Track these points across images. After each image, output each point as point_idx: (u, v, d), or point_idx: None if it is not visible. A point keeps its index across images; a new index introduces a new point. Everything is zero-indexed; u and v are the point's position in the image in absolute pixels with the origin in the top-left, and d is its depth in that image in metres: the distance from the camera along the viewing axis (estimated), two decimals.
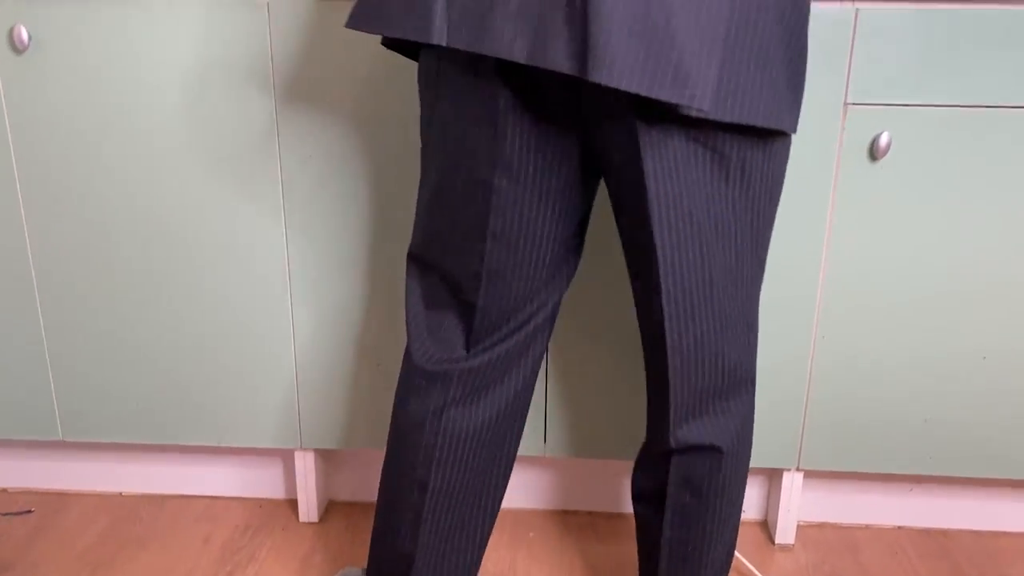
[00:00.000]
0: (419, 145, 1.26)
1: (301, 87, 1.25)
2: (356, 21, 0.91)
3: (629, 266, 0.99)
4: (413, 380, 1.05)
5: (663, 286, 0.92)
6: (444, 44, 0.84)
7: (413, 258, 1.05)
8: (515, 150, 0.92)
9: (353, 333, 1.37)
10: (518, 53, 0.81)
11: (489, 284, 0.99)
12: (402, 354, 1.38)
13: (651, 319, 0.96)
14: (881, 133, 1.21)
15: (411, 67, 1.24)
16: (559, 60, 0.80)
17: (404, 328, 1.36)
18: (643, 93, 0.77)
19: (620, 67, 0.77)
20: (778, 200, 0.94)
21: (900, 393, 1.34)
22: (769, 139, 0.88)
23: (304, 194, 1.30)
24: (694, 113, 0.82)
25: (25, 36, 1.24)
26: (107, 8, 1.22)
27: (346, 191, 1.30)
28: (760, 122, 0.83)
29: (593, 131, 0.91)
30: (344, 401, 1.41)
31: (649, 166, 0.87)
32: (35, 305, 1.38)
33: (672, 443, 1.00)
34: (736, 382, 0.99)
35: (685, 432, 0.99)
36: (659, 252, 0.90)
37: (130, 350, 1.40)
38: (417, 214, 1.04)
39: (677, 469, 1.02)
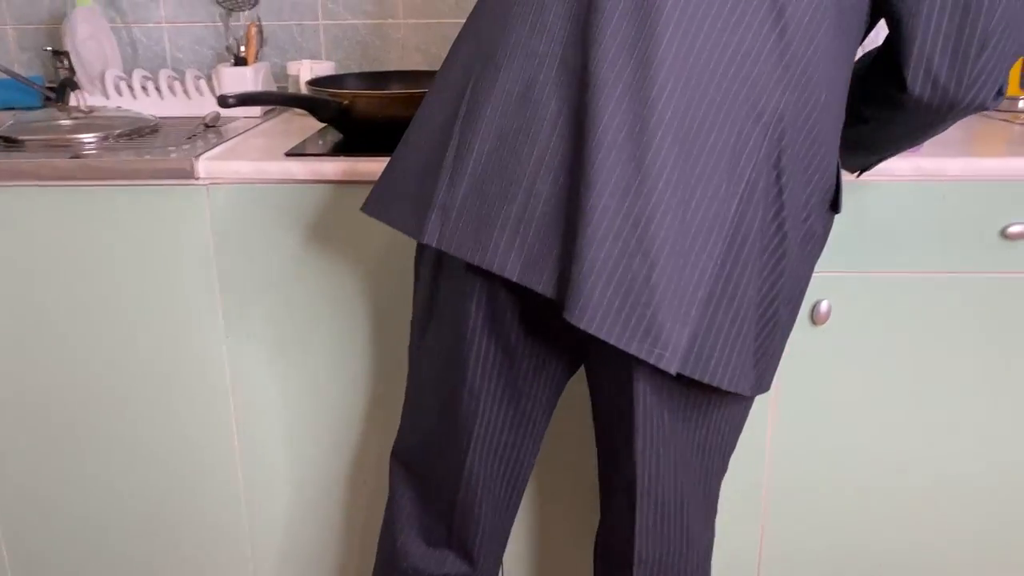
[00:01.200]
0: (368, 321, 1.27)
1: (242, 265, 1.25)
2: (368, 208, 0.92)
3: (602, 461, 0.98)
4: None
5: (639, 504, 0.91)
6: (434, 246, 0.84)
7: (396, 455, 1.05)
8: (505, 351, 0.91)
9: (307, 535, 1.37)
10: (511, 269, 0.81)
11: (470, 489, 0.98)
12: (350, 547, 1.38)
13: (622, 529, 0.96)
14: (821, 300, 1.21)
15: (349, 242, 1.24)
16: (545, 286, 0.79)
17: (355, 518, 1.37)
18: (611, 342, 0.76)
19: (593, 311, 0.76)
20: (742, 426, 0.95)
21: (849, 530, 1.35)
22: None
23: (249, 369, 1.30)
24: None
25: None
26: (47, 193, 1.22)
27: (290, 366, 1.30)
28: (724, 385, 0.81)
29: (582, 340, 0.90)
30: None
31: (639, 389, 0.85)
32: None
33: None
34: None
35: None
36: (639, 469, 0.89)
37: (84, 528, 1.39)
38: (404, 411, 1.04)
39: None
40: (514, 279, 0.80)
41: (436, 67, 1.68)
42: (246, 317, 1.27)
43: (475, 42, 0.86)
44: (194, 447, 1.34)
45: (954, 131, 1.32)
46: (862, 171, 1.04)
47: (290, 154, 1.22)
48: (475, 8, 0.90)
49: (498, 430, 0.95)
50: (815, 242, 0.85)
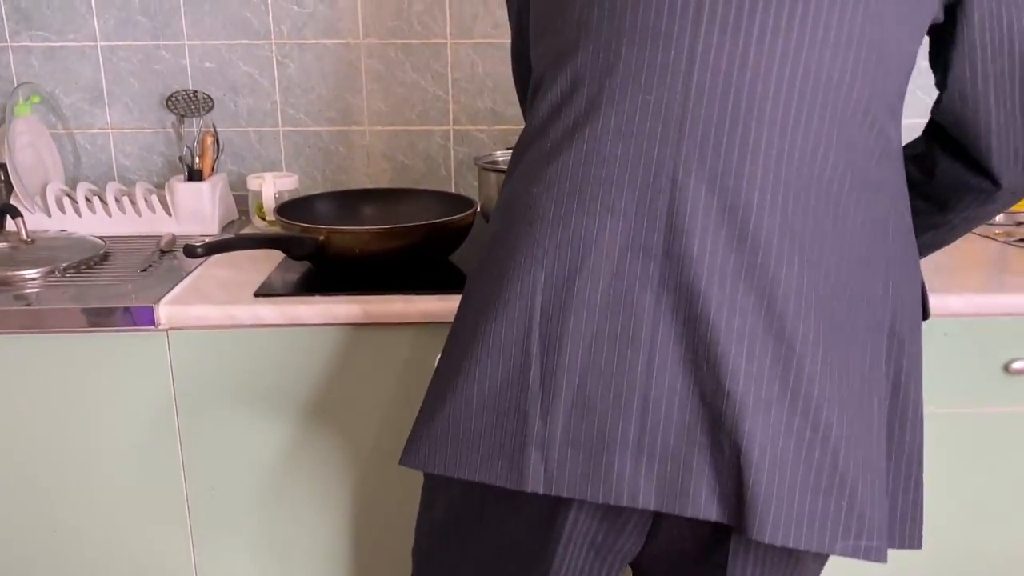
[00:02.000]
0: (354, 503, 1.17)
1: (206, 414, 1.14)
2: (419, 459, 0.77)
3: None
4: None
5: None
6: (541, 492, 0.71)
7: None
8: (574, 565, 0.80)
9: None
10: (644, 498, 0.69)
11: None
12: None
13: None
14: None
15: (327, 393, 1.14)
16: (706, 508, 0.69)
17: None
18: (813, 550, 0.68)
19: (787, 523, 0.67)
20: None
21: None
22: None
23: (212, 523, 1.18)
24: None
25: None
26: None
27: (256, 525, 1.19)
28: (917, 545, 0.76)
29: (664, 531, 0.78)
30: None
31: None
32: None
33: None
34: None
35: None
36: None
37: None
38: None
39: None
40: (651, 508, 0.70)
41: (404, 179, 1.60)
42: (209, 472, 1.16)
43: (526, 247, 0.74)
44: None
45: (939, 255, 1.30)
46: None
47: (259, 294, 1.13)
48: (508, 210, 0.78)
49: None
50: None
